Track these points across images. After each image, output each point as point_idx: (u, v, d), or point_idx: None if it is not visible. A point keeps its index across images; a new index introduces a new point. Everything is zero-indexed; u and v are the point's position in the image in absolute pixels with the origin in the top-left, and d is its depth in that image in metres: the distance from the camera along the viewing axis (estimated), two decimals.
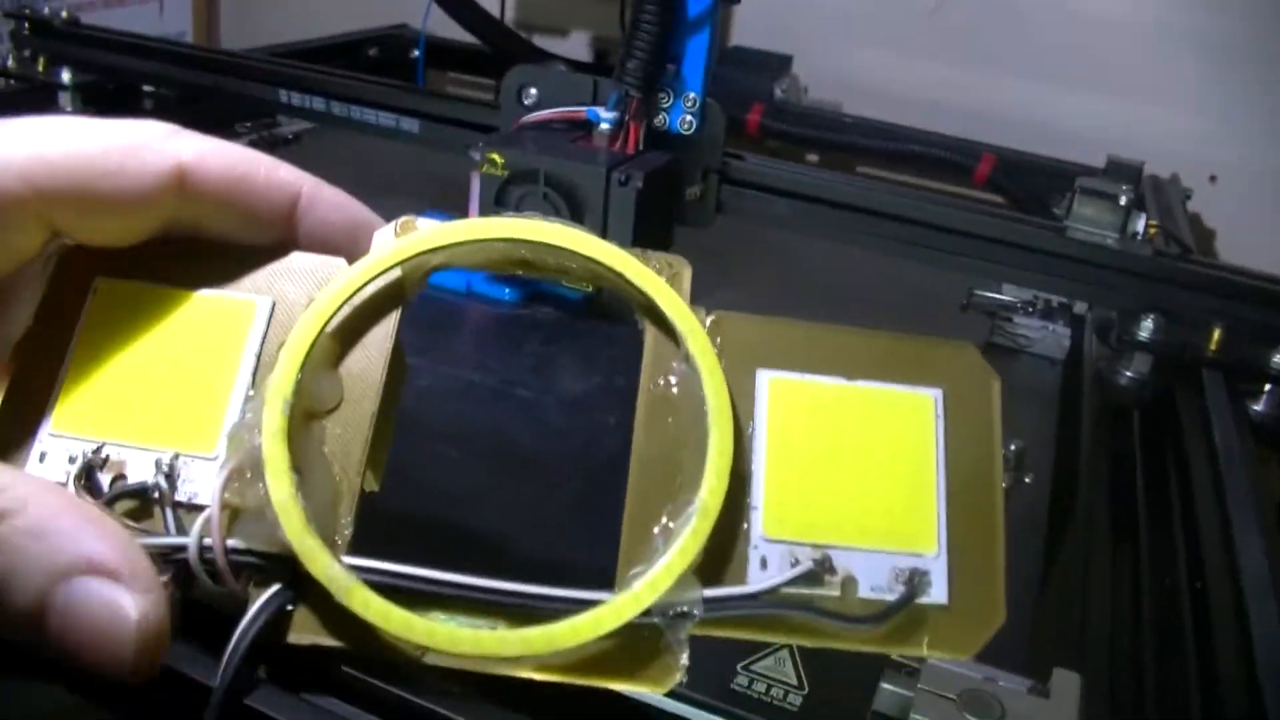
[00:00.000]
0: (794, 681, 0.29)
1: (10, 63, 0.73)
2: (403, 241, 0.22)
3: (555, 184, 0.47)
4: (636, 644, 0.21)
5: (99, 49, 0.69)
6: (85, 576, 0.19)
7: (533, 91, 0.54)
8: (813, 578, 0.22)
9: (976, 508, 0.22)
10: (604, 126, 0.50)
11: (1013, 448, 0.43)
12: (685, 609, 0.21)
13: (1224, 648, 0.30)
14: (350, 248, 0.23)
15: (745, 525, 0.22)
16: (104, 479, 0.21)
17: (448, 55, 0.91)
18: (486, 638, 0.20)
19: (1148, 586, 0.35)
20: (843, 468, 0.22)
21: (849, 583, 0.22)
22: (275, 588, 0.20)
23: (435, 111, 0.61)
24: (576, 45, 0.99)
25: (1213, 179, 0.82)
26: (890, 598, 0.22)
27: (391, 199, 0.23)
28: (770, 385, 0.22)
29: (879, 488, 0.22)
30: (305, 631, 0.21)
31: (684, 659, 0.21)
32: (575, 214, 0.47)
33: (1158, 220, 0.61)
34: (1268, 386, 0.46)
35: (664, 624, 0.21)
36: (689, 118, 0.53)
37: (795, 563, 0.22)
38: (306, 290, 0.23)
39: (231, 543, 0.20)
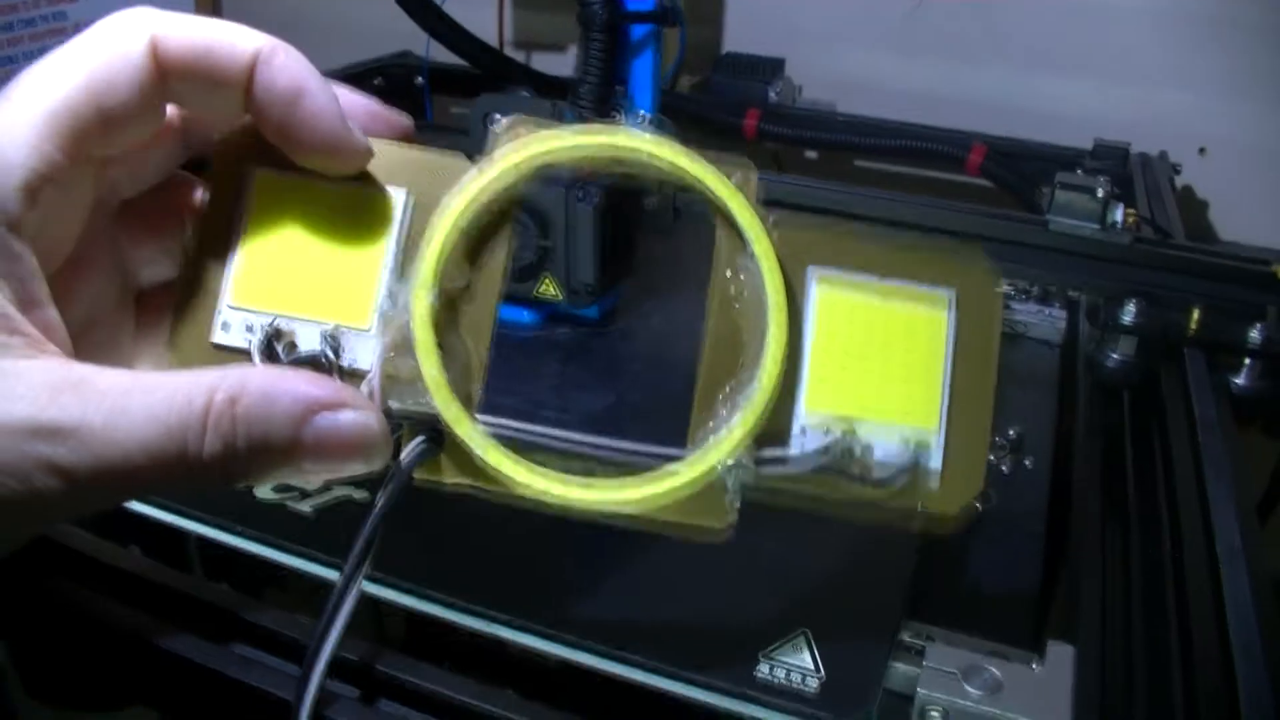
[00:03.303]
0: (811, 667, 0.32)
1: None
2: (521, 145, 0.26)
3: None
4: (703, 490, 0.26)
5: None
6: (322, 413, 0.22)
7: (498, 117, 0.57)
8: (839, 444, 0.26)
9: (973, 392, 0.27)
10: None
11: (1011, 434, 0.46)
12: (742, 463, 0.26)
13: (1199, 612, 0.32)
14: (290, 110, 0.24)
15: (791, 401, 0.26)
16: (278, 348, 0.25)
17: (452, 80, 0.94)
18: (594, 492, 0.25)
19: (1137, 559, 0.38)
20: (870, 353, 0.27)
21: (866, 449, 0.26)
22: (420, 438, 0.25)
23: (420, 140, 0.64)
24: (574, 63, 1.01)
25: (1202, 151, 0.83)
26: (899, 462, 0.26)
27: None
28: (818, 281, 0.27)
29: (897, 370, 0.27)
30: (451, 475, 0.26)
31: (737, 503, 0.26)
32: (542, 229, 0.50)
33: (1143, 203, 0.63)
34: (1248, 360, 0.48)
35: (725, 474, 0.26)
36: None
37: (827, 432, 0.26)
38: (435, 183, 0.26)
39: (389, 404, 0.25)
